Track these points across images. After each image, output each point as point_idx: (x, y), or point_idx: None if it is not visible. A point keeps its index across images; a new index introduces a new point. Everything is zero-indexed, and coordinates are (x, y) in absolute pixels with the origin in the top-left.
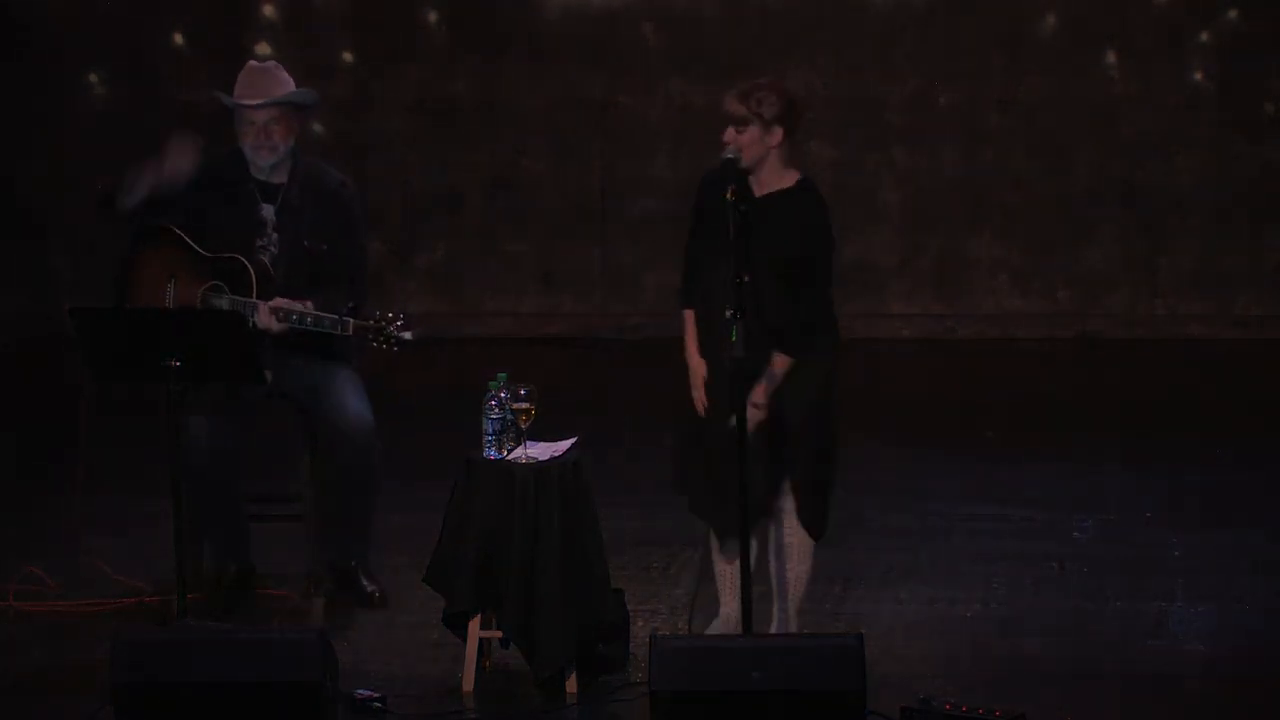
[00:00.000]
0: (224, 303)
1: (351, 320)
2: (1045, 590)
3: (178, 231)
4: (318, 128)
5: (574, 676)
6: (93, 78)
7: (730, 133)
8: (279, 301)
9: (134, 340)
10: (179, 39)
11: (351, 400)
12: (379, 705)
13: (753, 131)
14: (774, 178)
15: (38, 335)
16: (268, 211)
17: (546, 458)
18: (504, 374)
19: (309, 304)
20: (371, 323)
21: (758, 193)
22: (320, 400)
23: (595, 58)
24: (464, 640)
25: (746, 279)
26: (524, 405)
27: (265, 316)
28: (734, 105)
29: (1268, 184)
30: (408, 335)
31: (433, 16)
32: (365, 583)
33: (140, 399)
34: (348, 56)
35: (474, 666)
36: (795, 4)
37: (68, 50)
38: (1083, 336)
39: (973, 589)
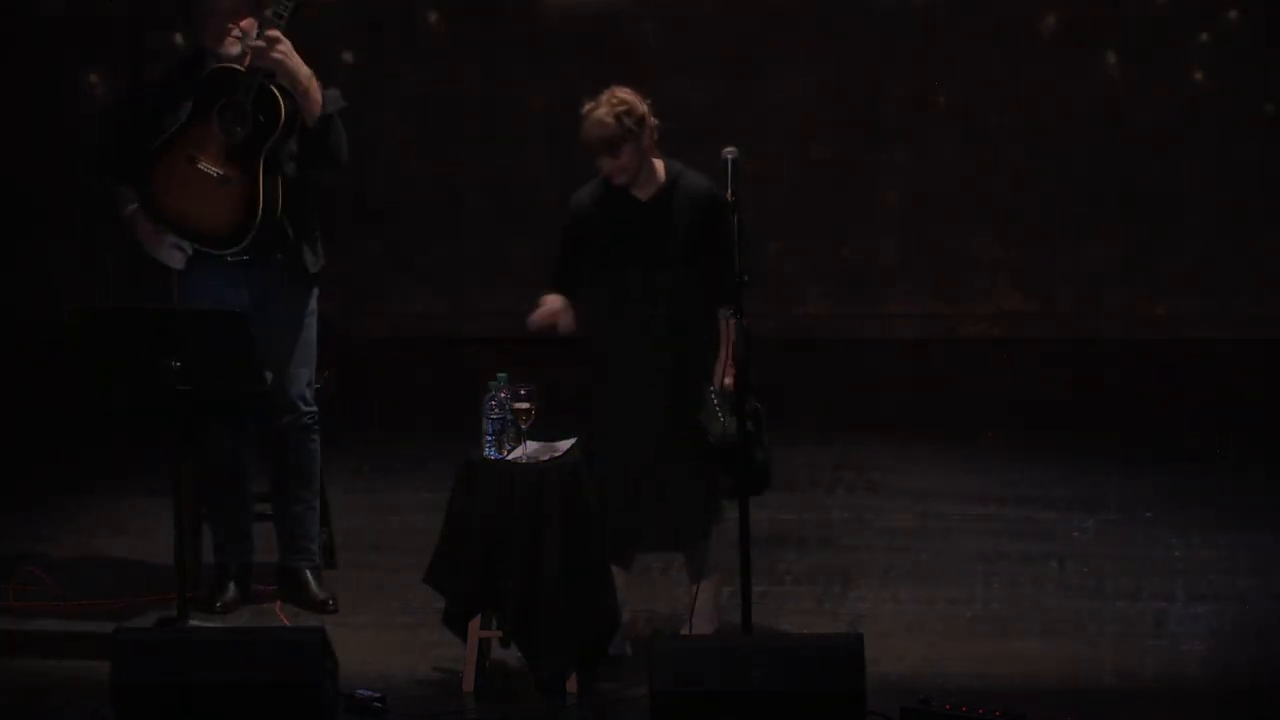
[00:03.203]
0: (237, 110)
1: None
2: (1045, 590)
3: (159, 139)
4: None
5: (574, 676)
6: (93, 78)
7: (608, 162)
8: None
9: (135, 342)
10: (179, 39)
11: (292, 388)
12: (379, 705)
13: (629, 150)
14: (652, 178)
15: (37, 335)
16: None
17: (546, 458)
18: (504, 374)
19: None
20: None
21: (644, 198)
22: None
23: (595, 58)
24: (464, 640)
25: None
26: (524, 405)
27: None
28: (605, 129)
29: (1268, 184)
30: None
31: (433, 16)
32: (316, 589)
33: (139, 399)
34: (348, 56)
35: (474, 666)
36: (795, 4)
37: (68, 50)
38: (1083, 336)
39: (973, 589)
